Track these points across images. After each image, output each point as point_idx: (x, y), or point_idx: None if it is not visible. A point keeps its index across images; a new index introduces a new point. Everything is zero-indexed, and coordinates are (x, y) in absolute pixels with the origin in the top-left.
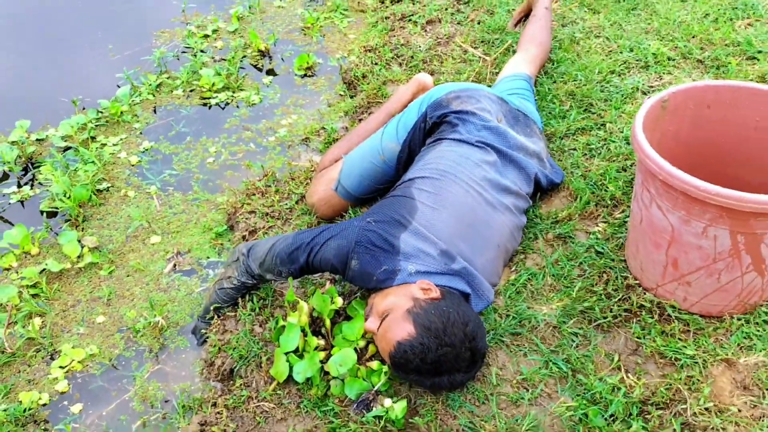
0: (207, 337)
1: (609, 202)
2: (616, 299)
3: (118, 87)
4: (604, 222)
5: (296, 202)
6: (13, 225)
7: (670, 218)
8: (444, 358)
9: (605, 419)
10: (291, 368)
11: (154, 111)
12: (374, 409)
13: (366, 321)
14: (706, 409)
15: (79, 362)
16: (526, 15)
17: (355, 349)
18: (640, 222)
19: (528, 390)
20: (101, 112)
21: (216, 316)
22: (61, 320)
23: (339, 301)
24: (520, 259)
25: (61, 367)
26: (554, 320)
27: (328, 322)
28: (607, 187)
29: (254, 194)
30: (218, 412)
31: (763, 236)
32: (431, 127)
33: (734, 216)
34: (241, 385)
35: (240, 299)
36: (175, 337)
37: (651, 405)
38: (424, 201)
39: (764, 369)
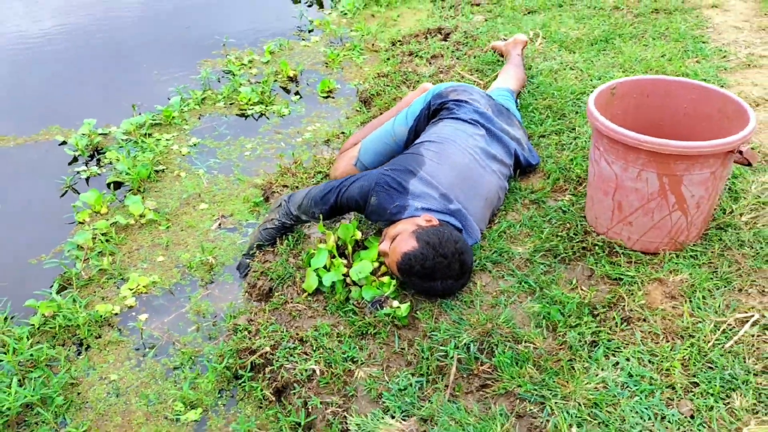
0: (250, 270)
1: (574, 179)
2: (576, 240)
3: (169, 99)
4: (571, 194)
5: (321, 179)
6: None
7: (614, 168)
8: (438, 266)
9: (563, 315)
10: (320, 281)
11: (199, 117)
12: (385, 308)
13: (380, 245)
14: (641, 307)
15: (144, 286)
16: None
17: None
18: (594, 177)
19: (504, 297)
20: (156, 116)
21: (258, 252)
22: (127, 258)
23: (358, 234)
24: (502, 215)
25: (129, 288)
26: (527, 255)
27: (350, 247)
28: (574, 170)
29: (286, 174)
30: (260, 312)
31: (682, 177)
32: (433, 113)
33: (659, 160)
34: (279, 295)
35: (278, 239)
36: (222, 274)
37: (599, 306)
38: (430, 157)
39: (687, 284)
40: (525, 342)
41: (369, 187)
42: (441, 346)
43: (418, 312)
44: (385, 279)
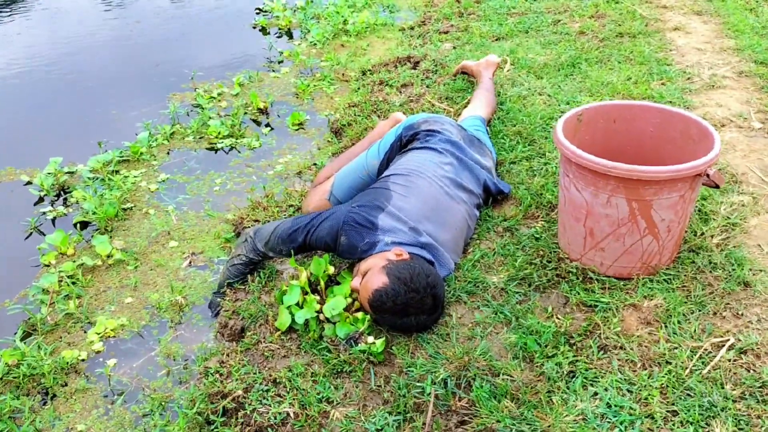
0: (221, 309)
1: (546, 205)
2: (550, 268)
3: (136, 135)
4: (543, 220)
5: (293, 212)
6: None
7: (584, 194)
8: (411, 301)
9: (539, 345)
10: (293, 319)
11: (168, 153)
12: (360, 344)
13: (352, 281)
14: (617, 334)
15: (111, 330)
16: (468, 76)
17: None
18: (564, 204)
19: (480, 329)
20: (123, 152)
21: (229, 290)
22: (95, 301)
23: (331, 269)
24: (475, 244)
25: (96, 333)
26: (501, 284)
27: (322, 283)
28: (545, 196)
29: (257, 208)
30: (232, 353)
31: (651, 202)
32: (404, 144)
33: (628, 185)
34: (251, 334)
35: (249, 275)
36: (193, 314)
37: (575, 335)
38: (396, 191)
39: (662, 309)
40: (503, 374)
41: (337, 226)
42: (418, 382)
43: (393, 347)
44: (359, 315)
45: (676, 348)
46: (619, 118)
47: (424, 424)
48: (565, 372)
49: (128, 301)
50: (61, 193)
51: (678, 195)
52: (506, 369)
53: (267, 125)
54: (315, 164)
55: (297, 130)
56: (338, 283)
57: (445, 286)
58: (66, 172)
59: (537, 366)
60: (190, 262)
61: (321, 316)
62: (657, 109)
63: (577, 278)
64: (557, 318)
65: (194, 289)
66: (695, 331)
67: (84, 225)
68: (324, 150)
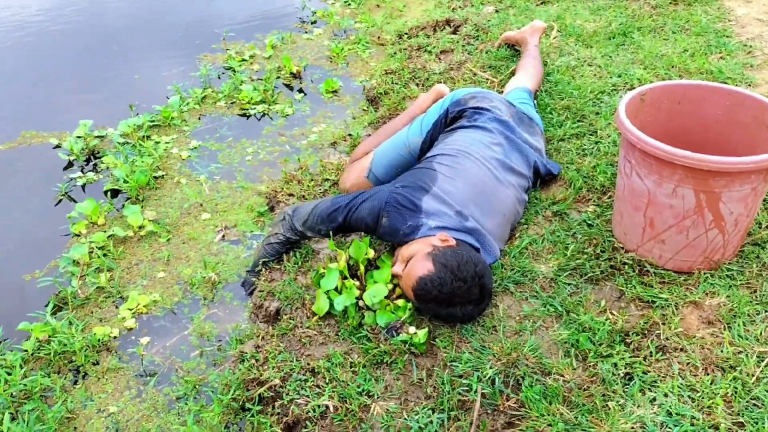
0: (255, 288)
1: (598, 189)
2: (603, 258)
3: (168, 98)
4: (595, 205)
5: (329, 188)
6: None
7: (647, 182)
8: (457, 291)
9: (593, 343)
10: (331, 304)
11: (200, 118)
12: (401, 334)
13: (393, 267)
14: (677, 334)
15: (144, 306)
16: (512, 46)
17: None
18: (623, 191)
19: (529, 323)
20: (155, 117)
21: (264, 269)
22: (126, 274)
23: (371, 253)
24: (523, 229)
25: (128, 309)
26: (551, 274)
27: (362, 267)
28: (597, 178)
29: (291, 181)
30: (268, 337)
31: (720, 194)
32: (450, 121)
33: (696, 176)
34: (287, 318)
35: (284, 255)
36: (226, 292)
37: (631, 334)
38: (442, 172)
39: (725, 308)
40: (554, 374)
41: (379, 207)
42: (462, 378)
43: (436, 338)
44: (400, 302)
45: (742, 352)
46: (684, 99)
47: (470, 423)
48: (622, 374)
49: (160, 276)
50: (91, 158)
51: (750, 188)
52: (557, 368)
53: (300, 90)
54: (350, 135)
55: (331, 97)
56: (378, 268)
57: (492, 275)
58: (96, 136)
59: (591, 366)
60: (223, 236)
61: (360, 303)
62: (727, 91)
63: (633, 270)
64: (611, 314)
65: (227, 265)
66: (761, 334)
67: (115, 193)
68: (359, 119)
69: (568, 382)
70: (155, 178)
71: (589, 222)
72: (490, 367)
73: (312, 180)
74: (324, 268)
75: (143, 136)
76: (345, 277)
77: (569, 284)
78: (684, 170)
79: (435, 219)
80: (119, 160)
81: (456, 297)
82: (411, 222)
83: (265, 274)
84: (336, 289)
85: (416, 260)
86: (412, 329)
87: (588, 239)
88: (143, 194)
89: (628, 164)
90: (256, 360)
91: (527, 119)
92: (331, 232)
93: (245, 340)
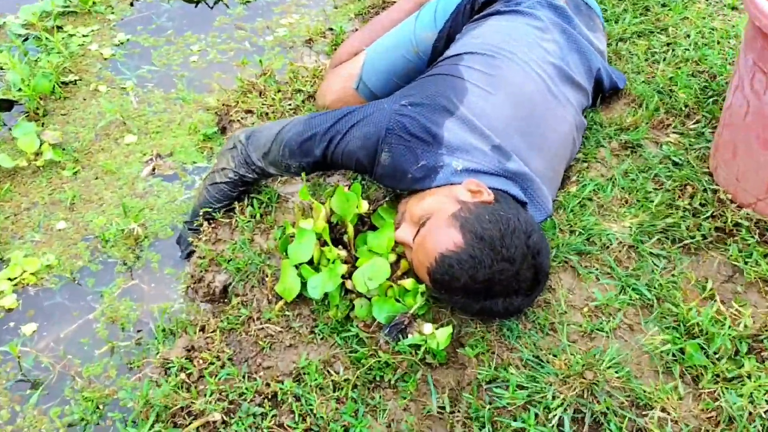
0: (194, 249)
1: (680, 111)
2: (705, 216)
3: None
4: (677, 133)
5: (302, 102)
6: None
7: None
8: (500, 276)
9: (707, 356)
10: (303, 284)
11: (132, 4)
12: (410, 336)
13: (397, 230)
14: None
15: (32, 274)
16: None
17: None
18: (745, 117)
19: (604, 317)
20: (70, 1)
21: (206, 222)
22: (11, 225)
23: (364, 206)
24: (581, 168)
25: (9, 279)
26: (629, 239)
27: (351, 229)
28: (677, 95)
29: (251, 92)
30: (209, 336)
31: None
32: (480, 6)
33: None
34: (238, 304)
35: (236, 203)
36: (153, 251)
37: (765, 339)
38: (475, 82)
39: None
40: (651, 407)
41: (377, 136)
42: (509, 412)
43: (463, 341)
44: (408, 283)
45: None
46: None
47: None
48: (761, 413)
49: (60, 227)
50: None
51: None
52: (656, 398)
53: None
54: (331, 29)
55: None
56: (374, 228)
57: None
58: None
59: (708, 395)
60: (153, 170)
61: (348, 284)
62: None
63: (752, 236)
64: (729, 307)
65: (158, 212)
66: None
67: (8, 106)
68: (343, 9)
69: (678, 423)
70: (63, 84)
71: (675, 159)
72: (553, 396)
73: (279, 91)
74: (293, 227)
75: (52, 27)
76: (325, 243)
77: (657, 255)
78: None
79: (462, 157)
80: (14, 58)
81: (497, 285)
82: (425, 161)
83: (208, 230)
84: (311, 262)
85: (435, 225)
86: (427, 327)
87: (679, 185)
88: (45, 107)
89: (760, 74)
90: (188, 374)
91: (585, 7)
92: (304, 171)
93: (177, 330)
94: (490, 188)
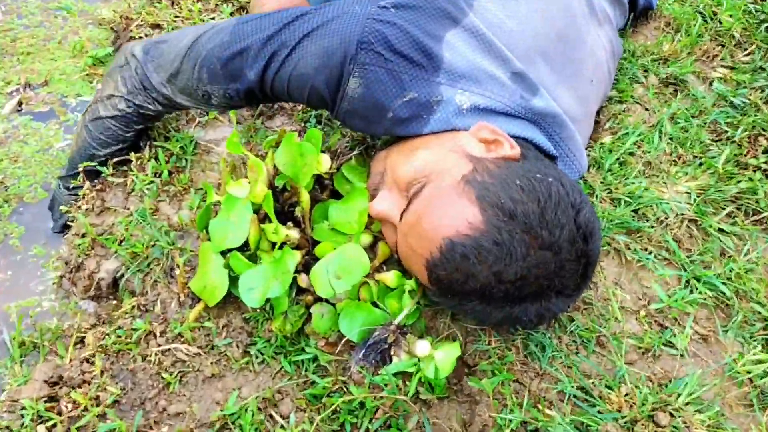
0: (71, 219)
1: (728, 36)
2: None
3: None
4: (727, 67)
5: (231, 14)
6: None
7: None
8: (538, 271)
9: None
10: (234, 281)
11: None
12: (396, 359)
13: (374, 199)
14: None
15: None
16: None
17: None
18: None
19: (671, 326)
20: None
21: (87, 181)
22: None
23: (324, 163)
24: (617, 111)
25: None
26: (689, 210)
27: (305, 198)
28: (722, 17)
29: (160, 1)
30: (86, 360)
31: None
32: None
33: None
34: (132, 309)
35: (132, 153)
36: (15, 221)
37: None
38: None
39: None
40: None
41: (344, 51)
42: None
43: (469, 360)
44: (390, 277)
45: None
46: None
47: None
48: None
49: None
50: None
51: None
52: None
53: None
54: None
55: None
56: (338, 195)
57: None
58: None
59: None
60: (19, 104)
61: (302, 279)
62: None
63: None
64: None
65: (24, 164)
66: None
67: None
68: None
69: None
70: None
71: (734, 100)
72: None
73: None
74: (218, 193)
75: None
76: (266, 219)
77: (728, 233)
78: None
79: (470, 89)
80: None
81: (533, 284)
82: (415, 92)
83: (89, 194)
84: (246, 247)
85: (438, 195)
86: (421, 347)
87: (747, 136)
88: None
89: None
90: (49, 428)
91: None
92: (231, 104)
93: (42, 343)
94: (510, 137)
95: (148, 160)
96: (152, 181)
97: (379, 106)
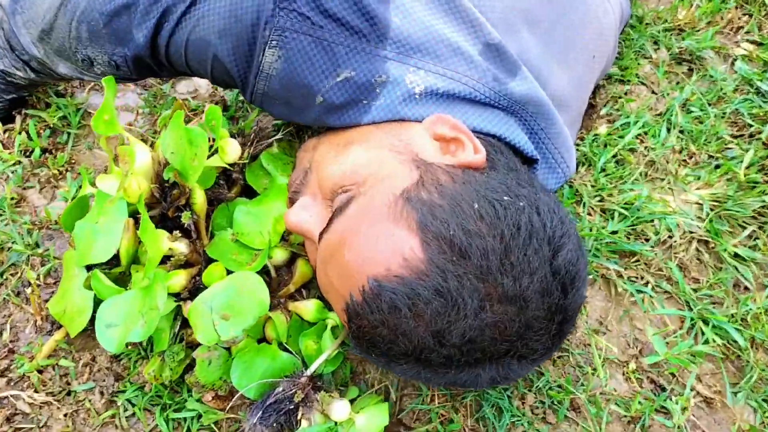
0: None
1: (757, 8)
2: None
3: None
4: (754, 42)
5: None
6: None
7: None
8: (494, 332)
9: None
10: (97, 305)
11: None
12: (305, 423)
13: (292, 206)
14: None
15: None
16: None
17: (266, 271)
18: None
19: (667, 384)
20: None
21: None
22: None
23: (231, 151)
24: (616, 93)
25: None
26: (700, 228)
27: (200, 198)
28: None
29: None
30: None
31: None
32: None
33: None
34: None
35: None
36: None
37: None
38: None
39: None
40: None
41: (257, 11)
42: None
43: (405, 422)
44: (307, 307)
45: None
46: None
47: None
48: None
49: None
50: None
51: None
52: None
53: None
54: None
55: None
56: (250, 192)
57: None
58: None
59: None
60: None
61: (186, 310)
62: None
63: None
64: None
65: None
66: None
67: None
68: None
69: None
70: None
71: (761, 84)
72: None
73: None
74: (91, 192)
75: None
76: (137, 224)
77: (747, 260)
78: None
79: (425, 66)
80: None
81: (488, 347)
82: (352, 69)
83: None
84: (116, 261)
85: (368, 214)
86: (338, 408)
87: None
88: None
89: None
90: None
91: None
92: (118, 72)
93: None
94: (476, 133)
95: (17, 133)
96: (18, 162)
97: (305, 88)
